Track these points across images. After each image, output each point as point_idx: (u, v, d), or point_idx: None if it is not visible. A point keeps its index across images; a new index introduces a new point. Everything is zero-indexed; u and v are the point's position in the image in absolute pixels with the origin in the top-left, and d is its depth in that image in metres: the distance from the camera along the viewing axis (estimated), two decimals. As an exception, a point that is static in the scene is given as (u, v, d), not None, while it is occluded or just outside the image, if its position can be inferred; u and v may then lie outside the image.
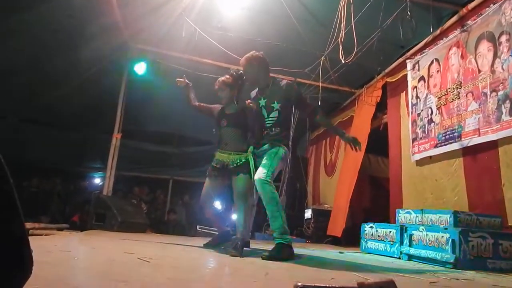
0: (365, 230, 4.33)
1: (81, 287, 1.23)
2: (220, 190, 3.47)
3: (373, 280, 0.62)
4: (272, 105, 3.20)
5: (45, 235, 3.47)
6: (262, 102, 3.25)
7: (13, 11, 4.53)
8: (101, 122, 7.21)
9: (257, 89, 3.43)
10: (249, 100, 3.30)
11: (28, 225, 3.71)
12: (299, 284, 0.62)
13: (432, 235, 3.18)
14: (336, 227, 5.86)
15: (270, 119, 3.22)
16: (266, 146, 3.19)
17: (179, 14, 4.71)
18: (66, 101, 6.87)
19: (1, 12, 4.55)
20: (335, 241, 5.65)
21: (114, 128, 5.70)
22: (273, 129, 3.19)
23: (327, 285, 0.66)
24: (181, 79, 3.50)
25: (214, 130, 3.56)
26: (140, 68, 5.71)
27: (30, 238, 0.84)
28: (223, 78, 3.51)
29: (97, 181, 9.45)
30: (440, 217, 3.33)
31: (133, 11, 4.70)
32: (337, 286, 0.66)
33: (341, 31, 4.01)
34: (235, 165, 3.25)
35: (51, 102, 6.84)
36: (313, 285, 0.64)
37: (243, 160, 3.25)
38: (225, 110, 3.49)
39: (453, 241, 2.92)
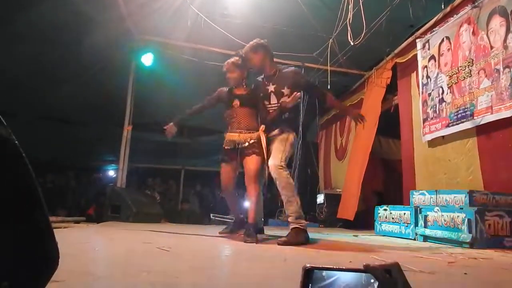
0: (379, 213, 4.33)
1: (106, 277, 1.26)
2: (235, 174, 3.40)
3: (378, 263, 0.64)
4: (282, 90, 3.21)
5: (64, 227, 3.55)
6: (271, 87, 3.25)
7: (20, 9, 4.53)
8: (112, 115, 7.25)
9: (262, 76, 3.42)
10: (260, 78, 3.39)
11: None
12: (308, 265, 0.64)
13: (447, 216, 3.17)
14: (348, 210, 5.86)
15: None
16: (276, 131, 3.20)
17: (184, 2, 4.66)
18: (75, 96, 6.92)
19: (7, 10, 4.56)
20: (349, 225, 5.65)
21: (125, 121, 5.73)
22: (283, 114, 3.20)
23: (335, 267, 0.67)
24: (169, 131, 3.67)
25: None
26: (147, 59, 5.71)
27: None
28: (232, 59, 3.48)
29: (111, 173, 9.57)
30: (455, 197, 3.31)
31: (136, 1, 4.66)
32: (344, 267, 0.67)
33: (349, 13, 3.95)
34: (247, 143, 3.20)
35: (60, 98, 6.89)
36: (321, 266, 0.65)
37: (254, 139, 3.21)
38: (234, 91, 3.44)
39: (469, 220, 2.90)
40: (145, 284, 1.17)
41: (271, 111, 3.24)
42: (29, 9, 4.58)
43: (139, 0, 4.65)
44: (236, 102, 3.34)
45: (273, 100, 3.26)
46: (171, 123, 3.66)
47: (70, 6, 4.55)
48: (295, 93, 3.09)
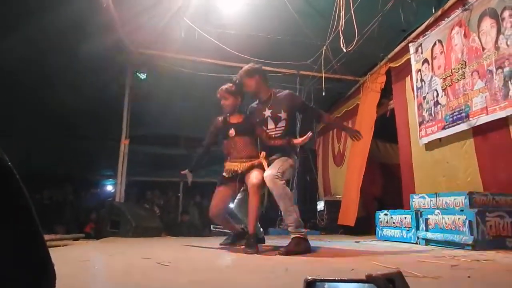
0: (380, 218, 4.31)
1: (105, 296, 1.24)
2: (230, 199, 3.36)
3: (380, 273, 0.63)
4: (279, 114, 3.23)
5: (63, 246, 3.51)
6: (268, 112, 3.26)
7: (18, 21, 4.53)
8: (108, 129, 7.24)
9: (257, 101, 3.44)
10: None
11: (45, 237, 3.75)
12: (309, 277, 0.63)
13: (448, 218, 3.16)
14: (348, 216, 5.84)
15: (278, 129, 3.24)
16: (276, 155, 3.21)
17: (176, 14, 4.68)
18: (71, 110, 6.90)
19: (6, 23, 4.56)
20: (350, 231, 5.63)
21: (122, 134, 5.72)
22: (283, 138, 3.20)
23: (337, 278, 0.67)
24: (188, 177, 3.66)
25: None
26: (142, 73, 5.73)
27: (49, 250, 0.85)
28: (226, 86, 3.39)
29: (109, 188, 9.52)
30: (455, 199, 3.30)
31: (129, 13, 4.67)
32: (346, 278, 0.66)
33: (341, 20, 3.97)
34: (248, 169, 3.18)
35: (58, 112, 6.88)
36: (323, 278, 0.65)
37: (256, 164, 3.18)
38: (229, 119, 3.37)
39: (470, 222, 2.89)
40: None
41: (271, 134, 3.25)
42: (27, 23, 4.58)
43: (132, 11, 4.66)
44: (232, 132, 3.26)
45: (271, 125, 3.27)
46: (187, 170, 3.67)
47: (65, 19, 4.55)
48: (309, 133, 3.08)
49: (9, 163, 0.77)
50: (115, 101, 5.92)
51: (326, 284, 0.64)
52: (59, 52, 5.28)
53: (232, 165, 3.24)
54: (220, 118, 3.44)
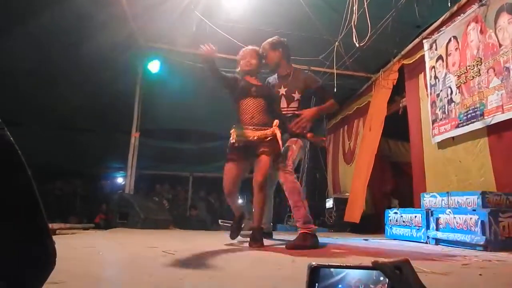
0: (389, 216, 4.25)
1: (106, 280, 1.24)
2: (241, 176, 3.06)
3: (387, 260, 0.61)
4: (293, 94, 3.17)
5: (72, 234, 3.54)
6: (282, 90, 3.21)
7: (29, 17, 4.58)
8: (118, 122, 7.29)
9: (275, 76, 3.37)
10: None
11: (55, 225, 3.80)
12: (314, 263, 0.61)
13: (460, 218, 3.10)
14: (354, 213, 5.78)
15: (290, 109, 3.18)
16: (285, 136, 3.12)
17: (187, 8, 4.67)
18: (83, 102, 6.97)
19: (16, 18, 4.61)
20: (359, 229, 5.56)
21: (132, 127, 5.75)
22: (293, 119, 3.13)
23: (341, 264, 0.64)
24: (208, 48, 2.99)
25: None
26: (153, 66, 5.74)
27: (57, 237, 0.84)
28: (252, 47, 3.23)
29: (119, 180, 9.60)
30: (467, 198, 3.23)
31: (140, 6, 4.68)
32: (351, 265, 0.64)
33: (354, 14, 3.91)
34: (260, 140, 2.90)
35: (67, 105, 6.95)
36: (328, 264, 0.63)
37: (269, 136, 2.91)
38: (249, 80, 3.10)
39: (482, 222, 2.83)
40: (148, 286, 1.14)
41: (286, 115, 3.19)
42: (37, 15, 4.62)
43: (144, 5, 4.66)
44: (253, 91, 2.99)
45: (283, 104, 3.22)
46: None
47: (77, 13, 4.59)
48: (323, 138, 3.06)
49: (11, 138, 0.77)
50: (127, 94, 5.96)
51: (333, 271, 0.63)
52: (70, 45, 5.32)
53: (243, 132, 2.93)
54: (240, 77, 3.14)
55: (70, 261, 1.37)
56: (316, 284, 0.61)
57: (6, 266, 0.71)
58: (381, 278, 0.61)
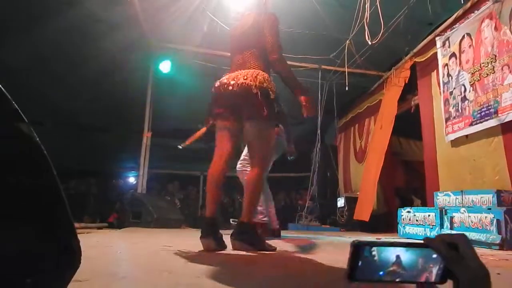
0: (402, 215, 4.23)
1: (129, 277, 1.26)
2: (235, 147, 2.46)
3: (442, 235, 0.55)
4: None
5: (87, 233, 3.59)
6: None
7: (44, 18, 4.65)
8: (131, 122, 7.36)
9: None
10: None
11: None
12: (356, 241, 0.56)
13: (475, 217, 3.07)
14: (363, 211, 5.76)
15: None
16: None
17: (198, 7, 4.69)
18: (95, 103, 7.06)
19: (33, 20, 4.68)
20: (371, 228, 5.54)
21: (144, 127, 5.80)
22: None
23: (388, 241, 0.59)
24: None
25: None
26: (165, 66, 5.78)
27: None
28: None
29: (131, 180, 9.70)
30: (482, 197, 3.20)
31: (152, 7, 4.72)
32: (398, 242, 0.58)
33: (366, 12, 3.90)
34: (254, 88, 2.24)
35: (81, 105, 7.04)
36: (372, 241, 0.57)
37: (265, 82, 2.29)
38: None
39: (498, 221, 2.80)
40: (168, 284, 1.16)
41: None
42: (55, 19, 4.70)
43: (155, 7, 4.70)
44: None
45: None
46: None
47: (90, 14, 4.65)
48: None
49: (38, 140, 0.79)
50: (138, 94, 6.01)
51: (375, 249, 0.55)
52: (83, 46, 5.40)
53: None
54: None
55: (90, 260, 1.40)
56: (359, 263, 0.54)
57: (32, 265, 0.73)
58: (434, 256, 0.54)
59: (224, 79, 2.34)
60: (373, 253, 0.55)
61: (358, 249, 0.55)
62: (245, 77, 2.22)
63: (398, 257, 0.54)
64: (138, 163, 5.97)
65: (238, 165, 3.52)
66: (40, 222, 0.77)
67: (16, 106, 0.74)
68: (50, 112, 7.35)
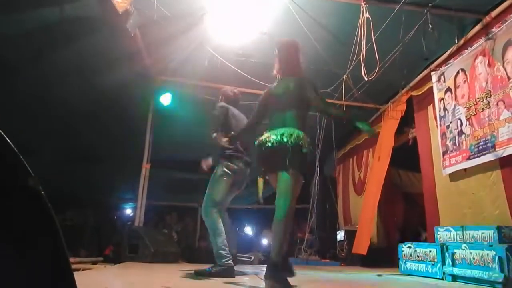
0: (403, 251, 4.17)
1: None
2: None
3: None
4: None
5: (82, 270, 3.52)
6: None
7: (50, 49, 4.75)
8: (129, 153, 7.36)
9: None
10: None
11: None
12: None
13: (476, 253, 3.03)
14: (361, 244, 5.68)
15: None
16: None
17: (199, 43, 4.81)
18: (95, 133, 7.09)
19: (38, 49, 4.78)
20: (372, 262, 5.44)
21: (143, 159, 5.80)
22: None
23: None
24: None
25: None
26: (165, 99, 5.84)
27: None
28: None
29: (128, 211, 9.60)
30: (483, 233, 3.17)
31: (155, 42, 4.83)
32: None
33: (362, 49, 3.99)
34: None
35: (81, 135, 7.07)
36: None
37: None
38: None
39: (500, 258, 2.76)
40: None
41: None
42: (54, 50, 4.79)
43: (158, 41, 4.81)
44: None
45: None
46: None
47: (92, 46, 4.74)
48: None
49: (43, 193, 0.80)
50: (139, 125, 6.05)
51: None
52: (85, 79, 5.49)
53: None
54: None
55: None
56: None
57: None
58: None
59: (264, 137, 2.64)
60: None
61: None
62: (282, 134, 2.54)
63: None
64: (136, 195, 5.93)
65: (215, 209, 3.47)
66: (40, 267, 0.77)
67: (24, 162, 0.75)
68: (48, 142, 7.36)
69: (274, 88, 2.90)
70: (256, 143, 2.70)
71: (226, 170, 3.42)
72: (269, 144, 2.55)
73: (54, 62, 5.04)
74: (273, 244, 2.49)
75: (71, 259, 4.27)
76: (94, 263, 4.66)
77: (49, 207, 0.80)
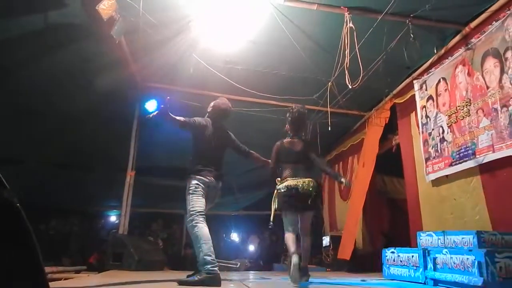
0: (387, 256, 4.22)
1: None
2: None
3: None
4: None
5: (64, 279, 3.46)
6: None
7: (34, 57, 4.70)
8: (114, 161, 7.29)
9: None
10: None
11: (47, 269, 3.72)
12: None
13: (456, 258, 3.09)
14: (345, 250, 5.74)
15: None
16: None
17: (186, 50, 4.81)
18: (79, 141, 7.01)
19: (22, 58, 4.72)
20: (357, 268, 5.49)
21: (128, 166, 5.75)
22: None
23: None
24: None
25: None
26: (151, 105, 5.81)
27: (50, 283, 0.86)
28: None
29: (113, 219, 9.47)
30: (463, 238, 3.24)
31: (141, 49, 4.82)
32: None
33: (346, 57, 4.06)
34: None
35: (65, 143, 6.98)
36: None
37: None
38: None
39: (479, 263, 2.82)
40: None
41: None
42: (42, 57, 4.75)
43: (143, 48, 4.80)
44: None
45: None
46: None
47: (77, 53, 4.71)
48: None
49: (18, 205, 0.80)
50: (123, 133, 6.00)
51: None
52: (69, 87, 5.44)
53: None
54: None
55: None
56: None
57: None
58: None
59: (287, 184, 3.49)
60: None
61: None
62: (304, 182, 3.46)
63: None
64: (120, 202, 5.86)
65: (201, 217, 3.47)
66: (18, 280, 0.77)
67: (-1, 174, 0.75)
68: (32, 150, 7.25)
69: (286, 145, 3.74)
70: (283, 186, 3.50)
71: (197, 182, 3.47)
72: (294, 191, 3.43)
73: (37, 70, 5.00)
74: (306, 255, 3.61)
75: (54, 268, 4.19)
76: (78, 271, 4.58)
77: (25, 219, 0.80)
